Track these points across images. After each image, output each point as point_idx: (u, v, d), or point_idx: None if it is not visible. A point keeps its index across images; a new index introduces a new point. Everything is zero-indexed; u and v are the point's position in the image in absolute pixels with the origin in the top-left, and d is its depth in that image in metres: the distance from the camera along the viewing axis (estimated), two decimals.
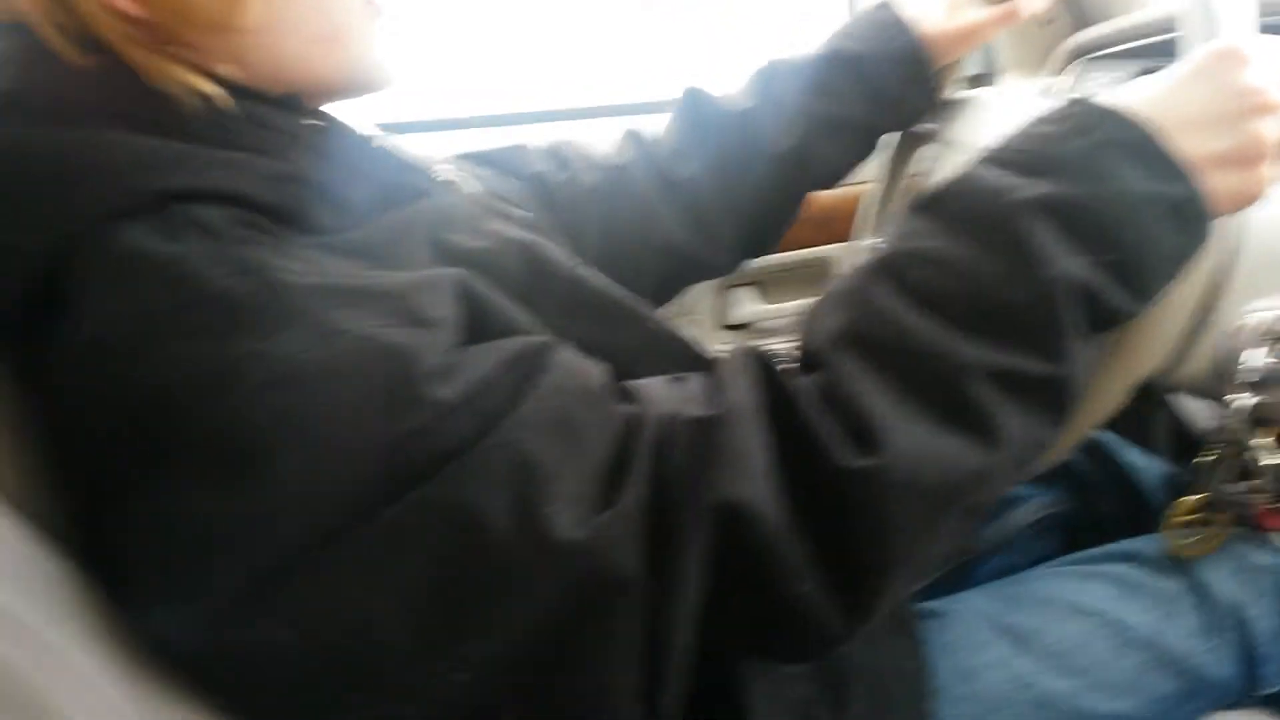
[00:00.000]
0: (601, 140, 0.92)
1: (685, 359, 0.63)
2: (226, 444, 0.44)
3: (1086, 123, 0.52)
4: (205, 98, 0.51)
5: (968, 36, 0.86)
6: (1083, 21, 1.34)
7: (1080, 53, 1.28)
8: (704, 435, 0.48)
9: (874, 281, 0.51)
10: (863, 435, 0.47)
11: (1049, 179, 0.49)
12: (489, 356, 0.49)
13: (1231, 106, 0.51)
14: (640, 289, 0.86)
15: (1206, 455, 0.77)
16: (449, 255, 0.56)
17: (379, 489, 0.44)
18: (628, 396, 0.52)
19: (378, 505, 0.44)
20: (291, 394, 0.44)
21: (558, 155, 0.86)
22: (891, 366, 0.48)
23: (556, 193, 0.83)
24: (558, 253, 0.62)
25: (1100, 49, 1.26)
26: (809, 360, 0.51)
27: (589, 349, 0.57)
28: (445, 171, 0.68)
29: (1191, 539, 0.75)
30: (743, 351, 0.54)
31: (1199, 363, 0.74)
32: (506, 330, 0.53)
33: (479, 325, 0.51)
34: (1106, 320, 0.51)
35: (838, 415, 0.47)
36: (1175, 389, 0.78)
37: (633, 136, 0.90)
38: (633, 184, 0.85)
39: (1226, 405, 0.74)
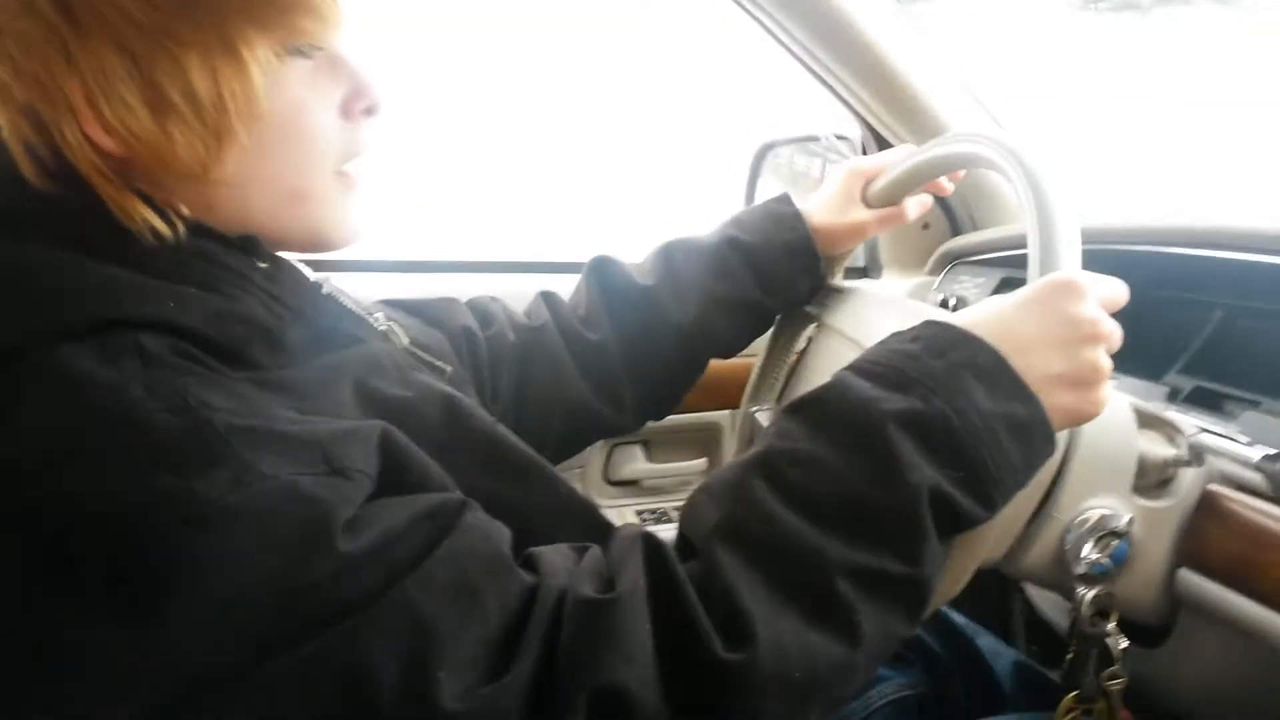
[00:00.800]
0: (515, 298, 0.97)
1: (589, 525, 0.65)
2: (133, 578, 0.44)
3: (943, 344, 0.58)
4: (162, 235, 0.53)
5: (854, 233, 0.95)
6: (955, 230, 1.47)
7: (951, 257, 1.40)
8: (594, 617, 0.50)
9: (752, 477, 0.55)
10: (736, 628, 0.50)
11: (911, 395, 0.55)
12: (401, 511, 0.50)
13: (1069, 334, 0.59)
14: (545, 442, 0.90)
15: (1070, 653, 0.80)
16: (373, 401, 0.59)
17: (276, 638, 0.45)
18: (529, 565, 0.54)
19: (273, 653, 0.45)
20: (204, 536, 0.45)
21: (483, 312, 0.91)
22: (765, 563, 0.52)
23: (480, 348, 0.87)
24: (477, 409, 0.64)
25: (969, 255, 1.38)
26: (688, 549, 0.55)
27: (498, 506, 0.59)
28: (382, 321, 0.70)
29: None
30: (636, 533, 0.57)
31: (1040, 554, 0.78)
32: (423, 483, 0.54)
33: (397, 477, 0.53)
34: (958, 525, 0.56)
35: (713, 607, 0.50)
36: (1021, 578, 0.82)
37: (547, 298, 0.95)
38: (546, 345, 0.90)
39: (1072, 600, 0.79)
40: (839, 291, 1.00)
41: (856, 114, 1.35)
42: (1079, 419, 0.61)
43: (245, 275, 0.57)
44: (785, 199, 0.95)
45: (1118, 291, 0.63)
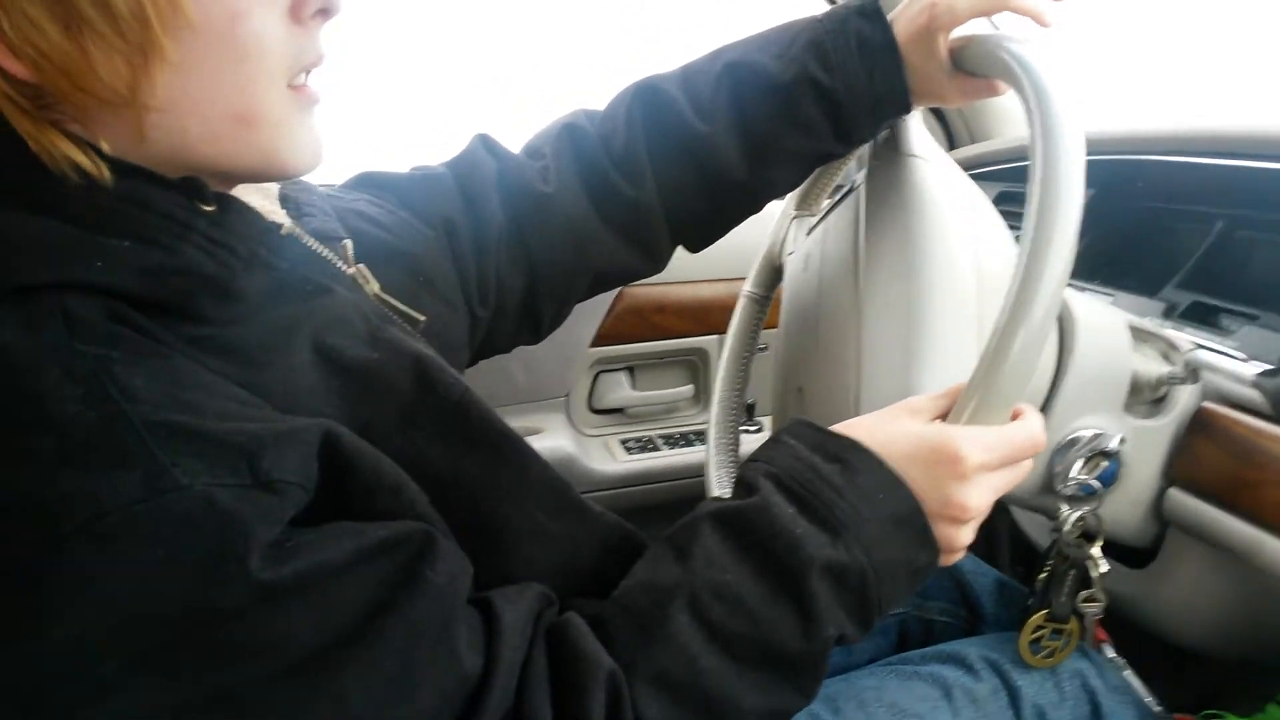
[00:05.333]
0: (536, 132, 0.84)
1: (561, 505, 0.61)
2: (15, 583, 0.40)
3: (870, 487, 0.55)
4: (90, 177, 0.46)
5: (934, 94, 0.75)
6: (952, 143, 1.42)
7: None
8: None
9: (678, 611, 0.53)
10: None
11: (837, 543, 0.53)
12: (346, 543, 0.46)
13: (937, 508, 0.56)
14: (569, 300, 0.84)
15: (1044, 571, 0.79)
16: (334, 363, 0.53)
17: (163, 663, 0.41)
18: (487, 622, 0.50)
19: (154, 679, 0.41)
20: (103, 544, 0.40)
21: (466, 192, 0.79)
22: (683, 704, 0.52)
23: (462, 241, 0.77)
24: (447, 372, 0.59)
25: (966, 169, 1.33)
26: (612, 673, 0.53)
27: (464, 481, 0.55)
28: (348, 260, 0.63)
29: (1042, 653, 0.78)
30: (603, 671, 0.52)
31: (1031, 476, 0.76)
32: (370, 494, 0.49)
33: (340, 487, 0.48)
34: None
35: None
36: (1011, 502, 0.80)
37: (572, 135, 0.81)
38: (565, 212, 0.79)
39: (1056, 519, 0.77)
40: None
41: None
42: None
43: (185, 223, 0.50)
44: (875, 11, 0.73)
45: (1007, 478, 0.58)
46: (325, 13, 0.54)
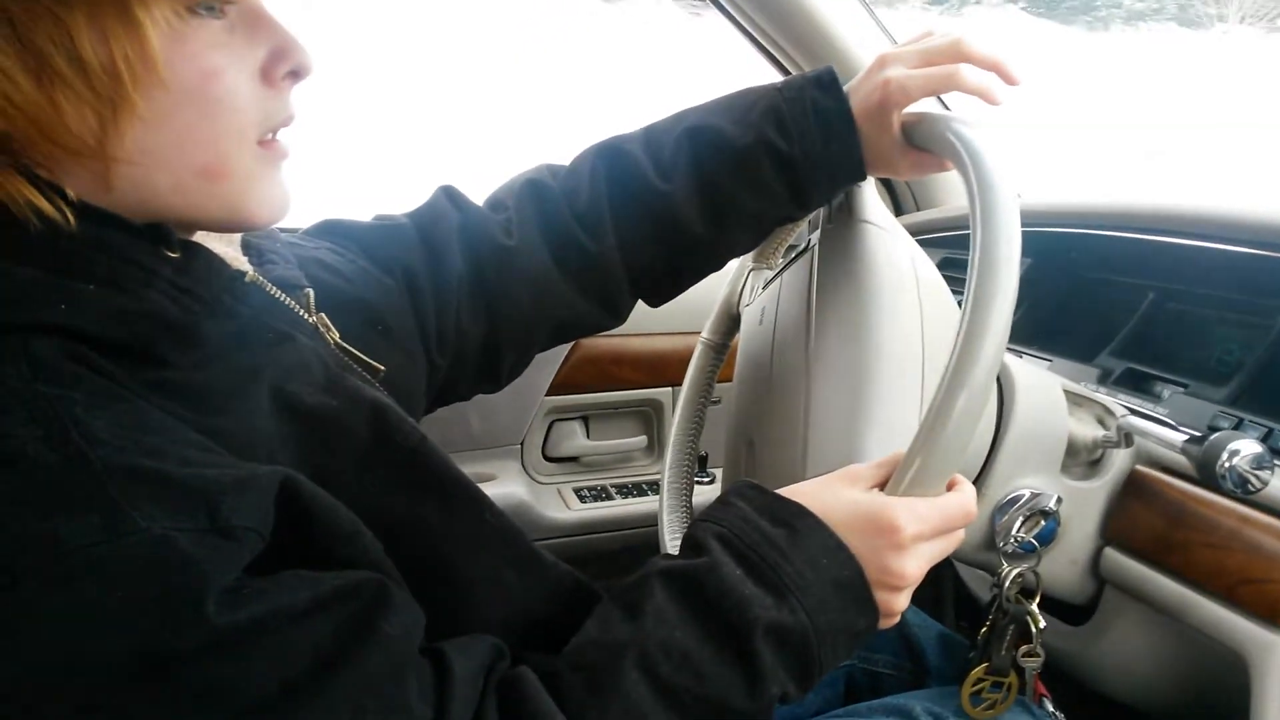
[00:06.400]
0: (499, 183, 0.85)
1: (515, 554, 0.62)
2: None
3: (816, 550, 0.57)
4: (54, 222, 0.47)
5: (886, 165, 0.77)
6: (898, 209, 1.48)
7: None
8: None
9: (629, 667, 0.53)
10: None
11: (783, 606, 0.55)
12: (302, 590, 0.46)
13: (875, 575, 0.58)
14: (530, 349, 0.85)
15: (986, 626, 0.81)
16: (292, 410, 0.54)
17: (116, 704, 0.41)
18: (438, 672, 0.51)
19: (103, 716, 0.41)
20: (60, 585, 0.41)
21: (428, 242, 0.79)
22: None
23: (424, 288, 0.77)
24: (405, 421, 0.60)
25: (912, 235, 1.38)
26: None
27: (418, 529, 0.56)
28: (310, 308, 0.64)
29: (982, 705, 0.80)
30: None
31: (970, 532, 0.79)
32: (329, 541, 0.50)
33: (298, 534, 0.49)
34: None
35: None
36: (954, 558, 0.82)
37: (535, 193, 0.82)
38: (527, 266, 0.80)
39: (997, 575, 0.79)
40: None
41: (775, 61, 1.33)
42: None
43: (150, 268, 0.50)
44: (832, 84, 0.75)
45: (941, 547, 0.60)
46: (296, 75, 0.56)
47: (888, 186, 1.46)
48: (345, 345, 0.65)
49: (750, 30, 1.29)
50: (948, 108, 1.24)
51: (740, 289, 1.05)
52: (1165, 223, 0.97)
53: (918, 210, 1.45)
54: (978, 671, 0.80)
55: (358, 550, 0.52)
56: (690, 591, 0.56)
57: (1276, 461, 0.74)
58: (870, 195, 0.79)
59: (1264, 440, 0.78)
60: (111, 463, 0.43)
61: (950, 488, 0.60)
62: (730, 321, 1.07)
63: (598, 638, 0.56)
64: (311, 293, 0.64)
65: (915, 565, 0.58)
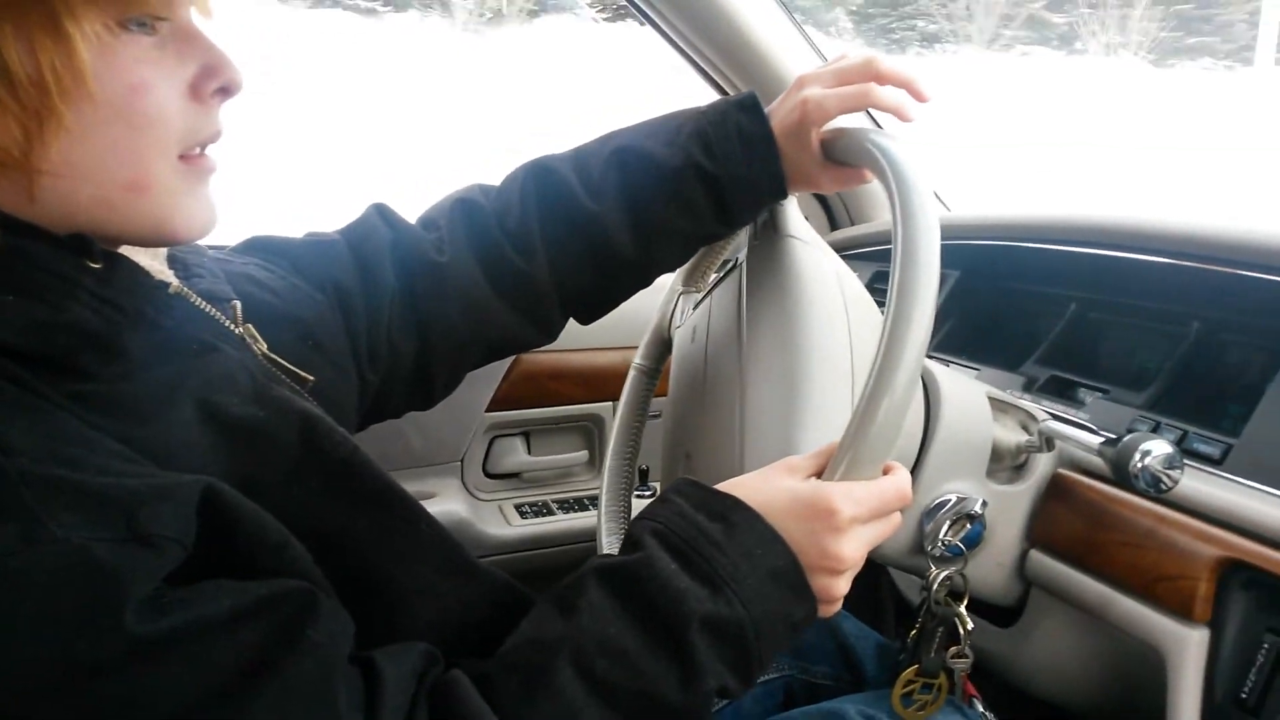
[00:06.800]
0: (429, 205, 0.85)
1: (451, 566, 0.62)
2: None
3: (751, 542, 0.58)
4: None
5: (807, 181, 0.79)
6: (833, 224, 1.50)
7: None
8: None
9: (563, 664, 0.54)
10: None
11: (719, 598, 0.55)
12: (224, 600, 0.46)
13: (815, 561, 0.59)
14: (461, 369, 0.85)
15: (915, 629, 0.83)
16: (218, 421, 0.53)
17: (34, 715, 0.41)
18: (369, 680, 0.50)
19: None
20: None
21: (359, 258, 0.79)
22: None
23: (356, 304, 0.77)
24: (336, 431, 0.59)
25: (846, 249, 1.41)
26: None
27: (351, 541, 0.55)
28: (237, 319, 0.63)
29: (913, 707, 0.81)
30: None
31: (899, 537, 0.80)
32: (253, 551, 0.50)
33: (221, 545, 0.48)
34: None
35: None
36: (881, 560, 0.83)
37: (467, 211, 0.83)
38: (459, 283, 0.80)
39: (925, 579, 0.81)
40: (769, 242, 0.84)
41: (707, 75, 1.34)
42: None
43: (72, 279, 0.50)
44: (754, 106, 0.77)
45: (879, 530, 0.61)
46: (226, 91, 0.56)
47: (822, 202, 1.48)
48: (273, 356, 0.64)
49: (689, 51, 1.31)
50: (879, 125, 1.27)
51: (671, 313, 1.06)
52: (1084, 234, 1.00)
53: (851, 225, 1.48)
54: (908, 673, 0.81)
55: (285, 560, 0.51)
56: (626, 587, 0.56)
57: (1188, 462, 0.77)
58: (794, 212, 0.81)
59: (1179, 442, 0.81)
60: (28, 472, 0.42)
61: (886, 473, 0.61)
62: (662, 346, 1.08)
63: (532, 636, 0.56)
64: (239, 304, 0.64)
65: (853, 548, 0.59)
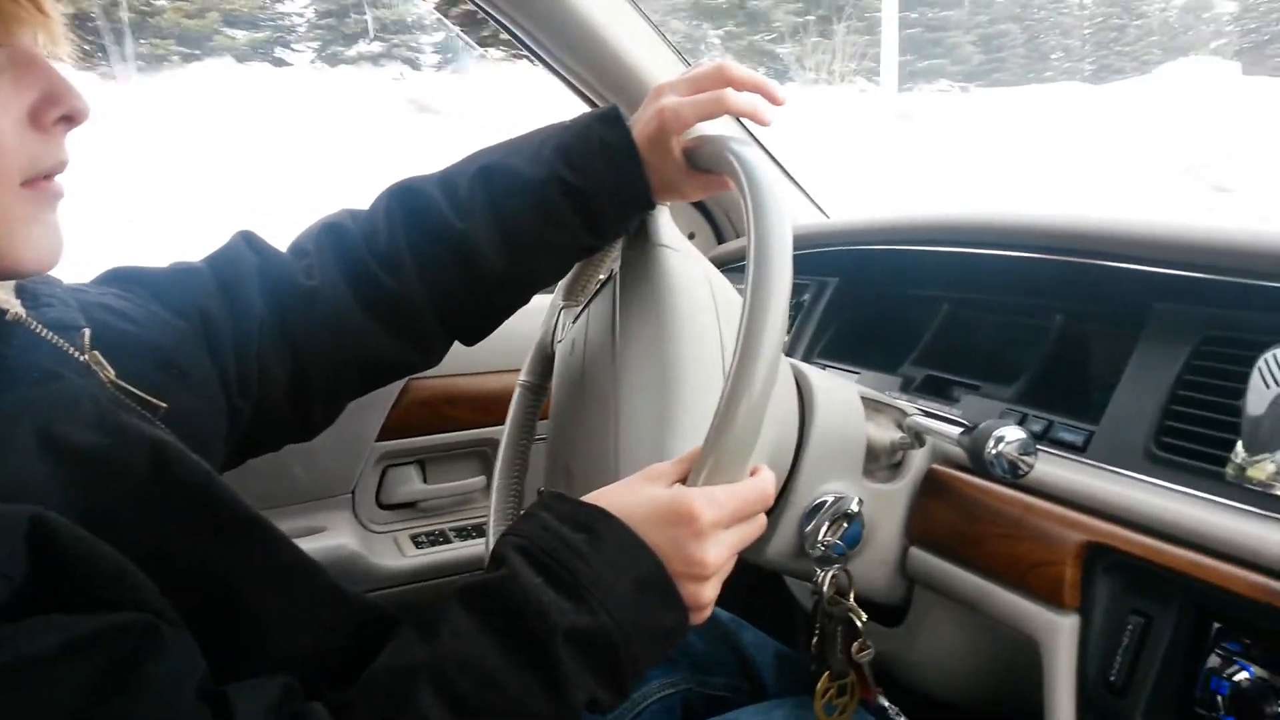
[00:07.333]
0: (293, 233, 0.83)
1: (315, 593, 0.60)
2: None
3: (614, 550, 0.57)
4: None
5: (672, 191, 0.80)
6: (720, 237, 1.51)
7: (717, 264, 1.43)
8: None
9: (423, 686, 0.52)
10: None
11: (581, 608, 0.54)
12: (51, 636, 0.43)
13: (679, 567, 0.58)
14: (342, 396, 0.82)
15: (816, 635, 0.82)
16: (60, 450, 0.51)
17: None
18: (219, 715, 0.47)
19: None
20: None
21: (224, 285, 0.78)
22: None
23: (222, 331, 0.75)
24: (189, 458, 0.57)
25: (731, 262, 1.42)
26: None
27: (209, 573, 0.53)
28: (83, 347, 0.61)
29: (835, 711, 0.81)
30: None
31: (781, 541, 0.80)
32: (88, 586, 0.46)
33: (52, 579, 0.45)
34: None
35: None
36: (769, 566, 0.83)
37: (333, 234, 0.82)
38: (330, 307, 0.79)
39: (814, 582, 0.80)
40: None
41: (572, 86, 1.34)
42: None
43: None
44: (616, 119, 0.78)
45: (743, 533, 0.61)
46: (70, 120, 0.55)
47: (709, 219, 1.49)
48: (120, 383, 0.61)
49: (561, 70, 1.30)
50: (751, 134, 1.28)
51: (554, 328, 1.05)
52: (953, 233, 1.02)
53: (736, 237, 1.49)
54: (823, 682, 0.81)
55: (124, 590, 0.48)
56: (488, 605, 0.55)
57: (1055, 450, 0.79)
58: (664, 221, 0.82)
59: (1045, 431, 0.83)
60: None
61: (752, 475, 0.61)
62: (546, 361, 1.07)
63: (392, 663, 0.54)
64: (88, 332, 0.61)
65: (716, 553, 0.58)
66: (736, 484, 0.59)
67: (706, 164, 0.73)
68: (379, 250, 0.79)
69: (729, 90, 0.74)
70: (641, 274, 0.78)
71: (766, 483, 0.61)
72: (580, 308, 0.96)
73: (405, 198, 0.81)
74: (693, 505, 0.57)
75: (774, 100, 0.75)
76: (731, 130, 1.21)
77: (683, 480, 0.60)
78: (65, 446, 0.52)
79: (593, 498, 0.60)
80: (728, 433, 0.57)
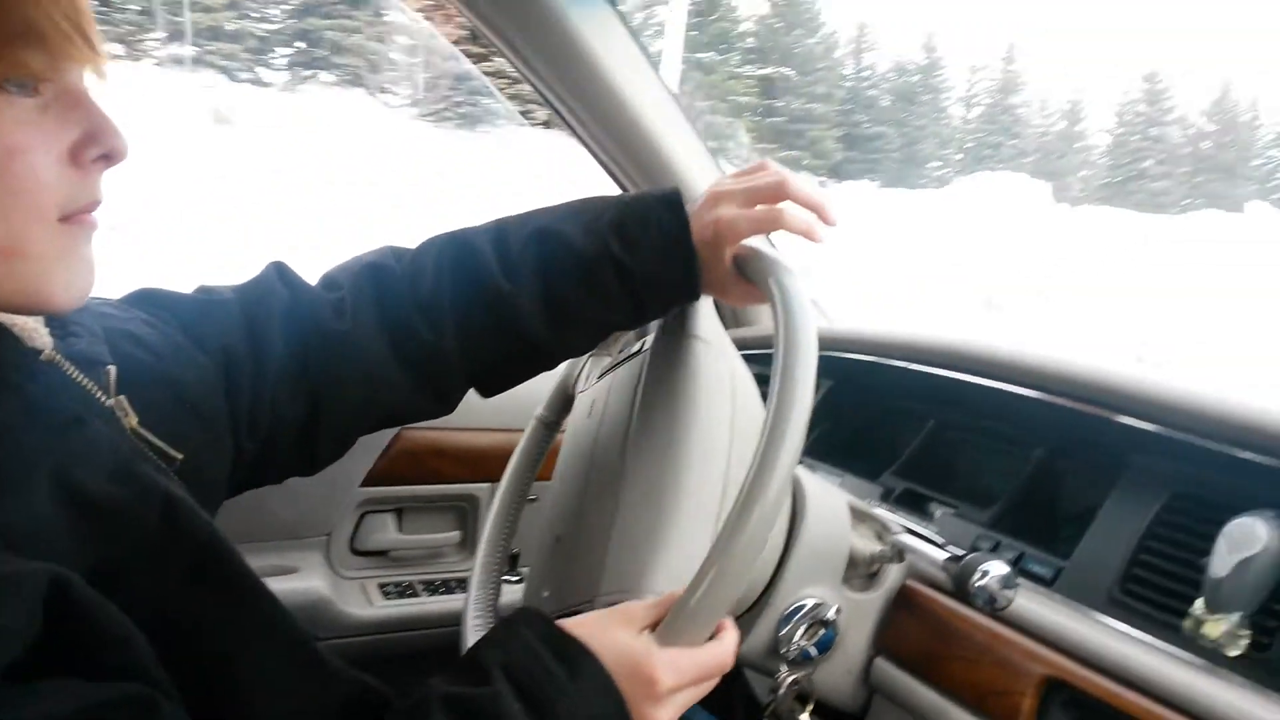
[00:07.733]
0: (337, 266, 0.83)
1: (303, 659, 0.61)
2: None
3: (593, 695, 0.59)
4: None
5: (719, 289, 0.80)
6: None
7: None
8: None
9: None
10: None
11: None
12: (66, 701, 0.44)
13: None
14: (350, 438, 0.83)
15: None
16: (74, 498, 0.51)
17: None
18: None
19: None
20: None
21: (251, 322, 0.77)
22: None
23: (242, 370, 0.75)
24: (198, 514, 0.58)
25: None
26: None
27: (205, 629, 0.54)
28: (109, 390, 0.61)
29: None
30: None
31: (756, 639, 0.82)
32: (98, 642, 0.47)
33: (65, 639, 0.46)
34: None
35: None
36: (741, 663, 0.85)
37: (376, 277, 0.82)
38: (361, 351, 0.79)
39: (775, 679, 0.83)
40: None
41: (612, 174, 1.38)
42: None
43: None
44: (677, 204, 0.77)
45: (694, 694, 0.63)
46: (108, 159, 0.55)
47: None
48: (141, 432, 0.62)
49: (596, 150, 1.35)
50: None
51: (578, 372, 1.07)
52: (945, 358, 1.07)
53: (735, 324, 1.53)
54: None
55: (129, 658, 0.49)
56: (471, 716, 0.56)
57: (1023, 581, 0.82)
58: (705, 312, 0.83)
59: (1016, 561, 0.86)
60: None
61: (719, 630, 0.63)
62: (565, 401, 1.08)
63: None
64: (114, 370, 0.62)
65: (667, 715, 0.61)
66: (700, 652, 0.62)
67: (752, 278, 0.75)
68: (422, 298, 0.80)
69: (787, 207, 0.76)
70: (671, 362, 0.80)
71: (728, 649, 0.63)
72: (608, 367, 0.98)
73: (458, 248, 0.82)
74: (655, 670, 0.60)
75: (828, 221, 0.77)
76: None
77: (654, 625, 0.62)
78: (81, 495, 0.52)
79: (573, 626, 0.62)
80: (707, 595, 0.59)
